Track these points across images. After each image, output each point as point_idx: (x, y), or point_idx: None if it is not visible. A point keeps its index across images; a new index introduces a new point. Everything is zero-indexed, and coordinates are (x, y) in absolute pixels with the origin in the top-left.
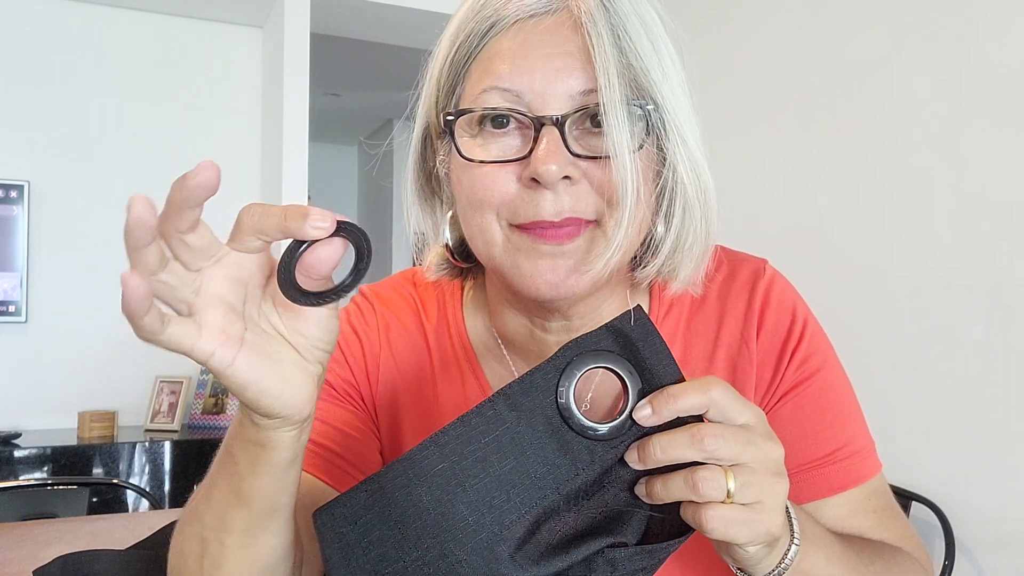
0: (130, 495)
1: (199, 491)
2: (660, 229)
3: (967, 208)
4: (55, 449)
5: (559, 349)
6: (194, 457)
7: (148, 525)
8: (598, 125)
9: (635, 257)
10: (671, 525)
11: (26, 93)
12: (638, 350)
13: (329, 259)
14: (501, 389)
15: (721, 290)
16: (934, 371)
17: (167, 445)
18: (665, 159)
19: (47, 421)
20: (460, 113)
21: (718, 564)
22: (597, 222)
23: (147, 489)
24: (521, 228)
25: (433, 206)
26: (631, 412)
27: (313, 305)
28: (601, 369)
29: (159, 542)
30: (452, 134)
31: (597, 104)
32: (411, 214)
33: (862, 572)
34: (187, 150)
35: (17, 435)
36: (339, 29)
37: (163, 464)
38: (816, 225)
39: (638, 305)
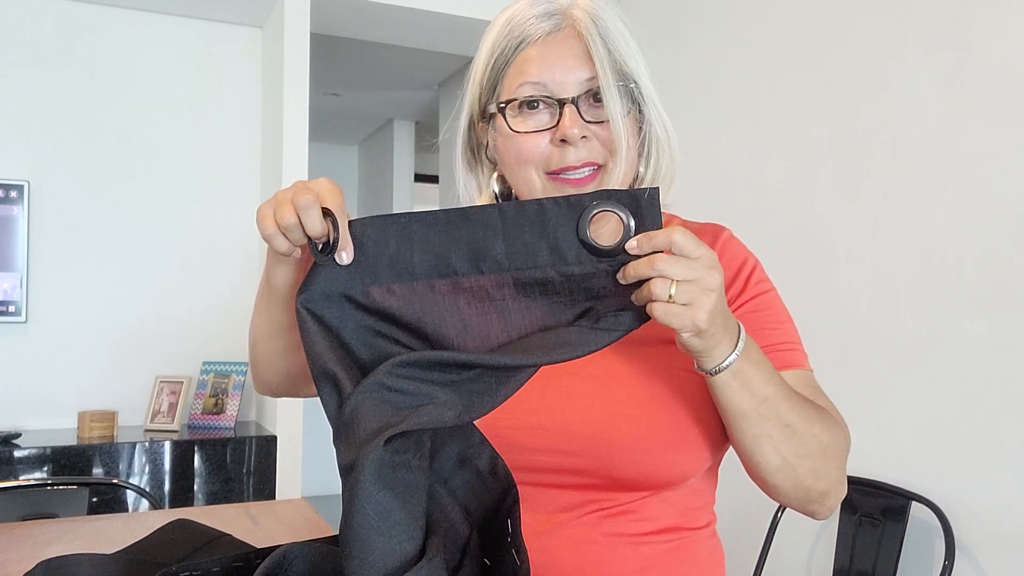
0: (130, 495)
1: (258, 300)
2: (642, 169)
3: (967, 205)
4: (55, 449)
5: (591, 192)
6: (194, 457)
7: (148, 525)
8: (599, 100)
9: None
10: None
11: (26, 93)
12: (641, 209)
13: None
14: (546, 199)
15: None
16: (934, 370)
17: (167, 445)
18: (644, 118)
19: (47, 421)
20: (508, 102)
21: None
22: (603, 166)
23: (147, 489)
24: (552, 175)
25: (476, 172)
26: (624, 244)
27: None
28: (613, 213)
29: (155, 545)
30: (505, 116)
31: (598, 87)
32: (459, 178)
33: (794, 402)
34: (187, 150)
35: (17, 435)
36: (339, 29)
37: (163, 464)
38: (816, 222)
39: (656, 187)
